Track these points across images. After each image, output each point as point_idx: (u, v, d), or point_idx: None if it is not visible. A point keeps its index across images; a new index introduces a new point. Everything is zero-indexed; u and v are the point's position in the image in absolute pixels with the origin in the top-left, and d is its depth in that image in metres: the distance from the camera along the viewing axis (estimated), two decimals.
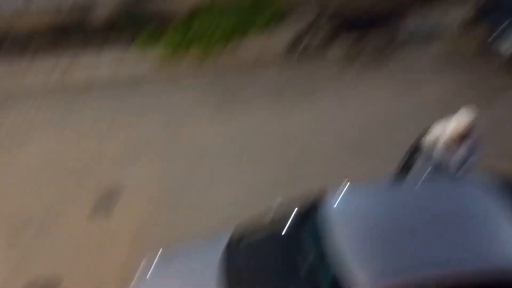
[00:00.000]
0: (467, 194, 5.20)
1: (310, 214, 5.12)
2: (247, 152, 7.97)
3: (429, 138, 6.09)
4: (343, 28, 9.45)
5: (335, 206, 5.09)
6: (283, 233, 5.29)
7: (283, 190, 6.86)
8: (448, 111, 6.12)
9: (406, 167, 6.28)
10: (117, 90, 9.16)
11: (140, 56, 9.67)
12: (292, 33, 9.69)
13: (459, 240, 4.68)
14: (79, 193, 7.28)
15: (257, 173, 7.59)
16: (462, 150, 5.79)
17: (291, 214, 5.29)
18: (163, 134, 8.33)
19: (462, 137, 5.78)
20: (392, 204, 5.13)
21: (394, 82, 9.25)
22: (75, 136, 8.25)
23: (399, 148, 7.36)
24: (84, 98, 8.96)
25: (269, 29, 10.08)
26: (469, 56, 9.62)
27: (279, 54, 9.78)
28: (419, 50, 9.99)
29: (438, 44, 10.10)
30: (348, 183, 5.32)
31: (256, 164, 7.76)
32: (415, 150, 6.30)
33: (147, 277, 5.32)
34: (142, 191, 7.32)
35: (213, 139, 8.23)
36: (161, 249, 5.61)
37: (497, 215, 4.92)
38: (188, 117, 8.64)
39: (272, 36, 9.99)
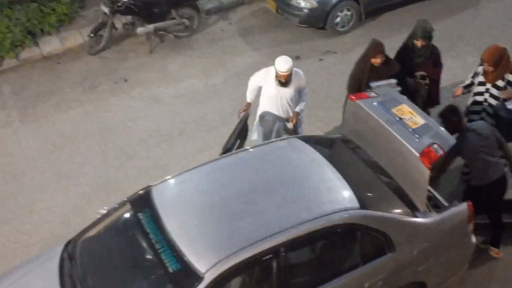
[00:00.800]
0: (283, 156, 5.42)
1: (140, 207, 5.03)
2: (65, 154, 7.58)
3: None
4: (143, 12, 9.25)
5: (162, 195, 5.04)
6: (118, 228, 5.22)
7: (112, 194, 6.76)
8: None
9: (233, 143, 6.38)
10: None
11: None
12: (90, 28, 9.41)
13: (288, 202, 4.87)
14: None
15: (82, 176, 7.28)
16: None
17: (123, 211, 5.19)
18: None
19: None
20: (216, 181, 5.18)
21: (204, 57, 9.34)
22: None
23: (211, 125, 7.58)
24: None
25: (64, 27, 9.77)
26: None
27: (82, 49, 9.46)
28: (224, 19, 10.21)
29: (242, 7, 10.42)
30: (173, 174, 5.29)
31: (78, 165, 7.41)
32: (241, 127, 6.46)
33: None
34: None
35: (25, 145, 7.71)
36: None
37: (317, 168, 5.24)
38: None
39: (70, 33, 9.69)
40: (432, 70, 6.54)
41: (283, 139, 5.85)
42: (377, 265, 4.94)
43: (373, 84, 6.01)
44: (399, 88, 6.07)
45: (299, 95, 6.55)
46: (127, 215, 5.15)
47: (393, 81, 6.12)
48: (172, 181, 5.23)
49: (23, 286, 4.98)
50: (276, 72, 6.30)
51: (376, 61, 6.36)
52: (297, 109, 6.50)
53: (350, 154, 5.67)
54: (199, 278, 4.34)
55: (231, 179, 5.19)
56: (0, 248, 6.41)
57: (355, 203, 4.88)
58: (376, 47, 6.40)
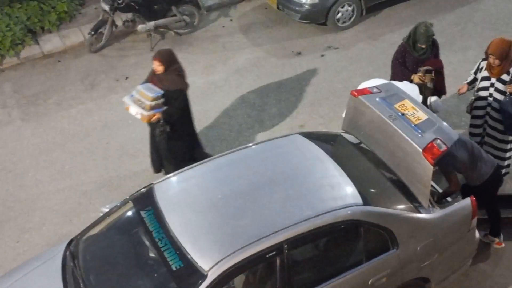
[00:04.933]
0: (285, 152, 5.39)
1: (142, 205, 5.02)
2: (67, 152, 7.57)
3: None
4: (143, 9, 9.23)
5: (165, 193, 5.03)
6: (120, 227, 5.21)
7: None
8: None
9: None
10: None
11: None
12: (90, 26, 9.40)
13: (291, 198, 4.84)
14: None
15: (83, 172, 7.27)
16: None
17: (125, 209, 5.19)
18: None
19: None
20: (219, 178, 5.15)
21: (205, 54, 9.31)
22: None
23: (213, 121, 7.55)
24: None
25: (64, 25, 9.80)
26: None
27: (82, 46, 9.46)
28: (225, 15, 10.18)
29: (243, 4, 10.40)
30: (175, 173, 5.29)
31: (80, 164, 7.40)
32: None
33: None
34: None
35: (26, 143, 7.70)
36: None
37: (319, 164, 5.21)
38: None
39: (70, 31, 9.70)
40: (436, 63, 6.51)
41: (285, 136, 5.82)
42: (381, 261, 4.92)
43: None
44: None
45: None
46: (129, 213, 5.15)
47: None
48: (174, 178, 5.21)
49: (26, 284, 4.98)
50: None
51: None
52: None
53: (353, 150, 5.64)
54: (202, 276, 4.33)
55: (234, 176, 5.17)
56: (3, 247, 6.41)
57: (358, 199, 4.86)
58: None
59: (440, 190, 5.47)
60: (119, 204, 5.28)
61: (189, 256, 4.45)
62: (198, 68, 9.00)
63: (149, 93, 6.08)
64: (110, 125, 7.98)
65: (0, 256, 6.30)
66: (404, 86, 6.03)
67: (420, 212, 5.08)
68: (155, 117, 6.15)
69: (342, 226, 4.80)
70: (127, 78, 8.83)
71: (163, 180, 5.21)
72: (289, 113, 8.04)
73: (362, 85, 6.11)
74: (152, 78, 6.35)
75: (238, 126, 7.86)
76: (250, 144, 5.71)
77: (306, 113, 8.01)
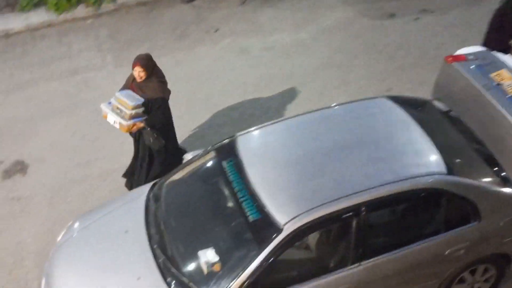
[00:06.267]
0: (371, 115, 5.30)
1: (224, 155, 5.12)
2: None
3: None
4: None
5: (247, 145, 5.10)
6: (202, 175, 5.32)
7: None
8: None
9: None
10: None
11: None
12: None
13: (372, 161, 4.78)
14: None
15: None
16: None
17: (208, 158, 5.29)
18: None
19: None
20: (301, 135, 5.16)
21: (295, 11, 9.20)
22: None
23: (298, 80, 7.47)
24: None
25: None
26: None
27: None
28: None
29: None
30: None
31: (182, 109, 7.59)
32: None
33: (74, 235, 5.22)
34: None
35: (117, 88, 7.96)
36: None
37: (404, 129, 5.10)
38: (89, 66, 8.30)
39: None
40: None
41: (371, 98, 5.72)
42: (460, 233, 4.80)
43: None
44: None
45: None
46: (211, 162, 5.25)
47: None
48: (257, 132, 5.27)
49: (111, 221, 5.24)
50: None
51: None
52: None
53: (441, 118, 5.47)
54: (278, 229, 4.39)
55: (316, 134, 5.14)
56: (87, 187, 6.69)
57: (442, 168, 4.73)
58: None
59: None
60: (202, 152, 5.42)
61: (266, 209, 4.51)
62: (286, 25, 8.94)
63: (129, 101, 5.61)
64: (197, 76, 8.12)
65: (87, 193, 6.64)
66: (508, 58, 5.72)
67: (507, 187, 4.89)
68: (135, 127, 5.72)
69: (422, 194, 4.71)
70: (216, 30, 8.91)
71: (246, 132, 5.27)
72: (376, 76, 7.86)
73: (458, 52, 5.87)
74: (131, 84, 5.85)
75: (322, 87, 7.78)
76: (335, 105, 5.66)
77: (394, 77, 7.80)
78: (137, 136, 5.99)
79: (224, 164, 5.03)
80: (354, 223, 4.54)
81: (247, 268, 4.37)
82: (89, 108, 7.64)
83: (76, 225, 5.31)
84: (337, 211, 4.47)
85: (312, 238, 4.69)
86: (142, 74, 5.69)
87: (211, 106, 7.61)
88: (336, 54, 8.29)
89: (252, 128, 5.33)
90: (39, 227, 6.18)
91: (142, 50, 8.56)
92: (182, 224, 5.00)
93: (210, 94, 7.80)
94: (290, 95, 7.63)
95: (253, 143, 5.19)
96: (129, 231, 5.01)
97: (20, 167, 6.91)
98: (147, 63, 5.75)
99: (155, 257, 4.73)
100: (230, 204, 4.87)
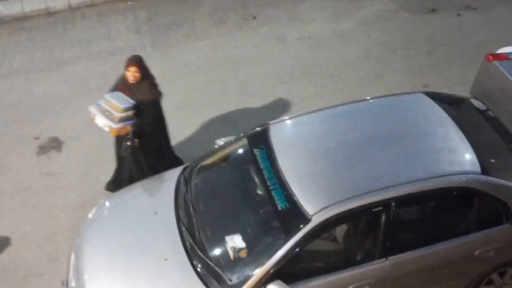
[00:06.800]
0: (406, 110, 5.25)
1: (256, 143, 5.11)
2: (189, 84, 7.83)
3: None
4: None
5: (279, 134, 5.09)
6: (232, 161, 5.37)
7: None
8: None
9: None
10: None
11: None
12: None
13: (405, 157, 4.74)
14: None
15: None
16: None
17: (239, 145, 5.31)
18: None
19: None
20: (334, 127, 5.14)
21: (335, 1, 9.13)
22: None
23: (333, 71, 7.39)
24: None
25: None
26: None
27: None
28: None
29: None
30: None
31: (200, 96, 7.64)
32: None
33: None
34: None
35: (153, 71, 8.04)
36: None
37: (440, 126, 5.04)
38: (127, 47, 8.40)
39: None
40: None
41: (408, 93, 5.65)
42: (492, 234, 4.73)
43: None
44: None
45: None
46: (242, 149, 5.27)
47: None
48: (290, 121, 5.26)
49: (142, 200, 5.32)
50: None
51: None
52: None
53: (478, 116, 5.37)
54: (306, 219, 4.38)
55: (349, 127, 5.11)
56: None
57: (477, 167, 4.66)
58: None
59: None
60: (233, 139, 5.43)
61: (295, 199, 4.51)
62: (326, 14, 8.87)
63: (119, 103, 5.40)
64: (233, 62, 8.13)
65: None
66: None
67: None
68: (125, 130, 5.50)
69: (454, 192, 4.65)
70: (254, 17, 8.90)
71: (279, 121, 5.27)
72: (413, 71, 7.76)
73: (500, 51, 5.75)
74: (121, 86, 5.66)
75: (358, 79, 7.72)
76: (369, 98, 5.61)
77: (432, 73, 7.69)
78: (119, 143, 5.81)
79: (256, 151, 5.03)
80: (383, 218, 4.51)
81: (272, 256, 4.37)
82: None
83: (107, 203, 5.40)
84: (367, 204, 4.45)
85: (339, 230, 4.67)
86: (137, 74, 5.56)
87: (245, 93, 7.63)
88: (374, 47, 8.21)
89: (285, 117, 5.33)
90: (71, 203, 6.30)
91: (180, 34, 8.66)
92: (210, 208, 5.04)
93: (244, 81, 7.81)
94: (324, 86, 7.59)
95: (285, 132, 5.18)
96: (158, 213, 5.07)
97: (55, 144, 7.04)
98: (141, 64, 5.64)
99: (183, 239, 4.78)
100: (260, 191, 4.88)
